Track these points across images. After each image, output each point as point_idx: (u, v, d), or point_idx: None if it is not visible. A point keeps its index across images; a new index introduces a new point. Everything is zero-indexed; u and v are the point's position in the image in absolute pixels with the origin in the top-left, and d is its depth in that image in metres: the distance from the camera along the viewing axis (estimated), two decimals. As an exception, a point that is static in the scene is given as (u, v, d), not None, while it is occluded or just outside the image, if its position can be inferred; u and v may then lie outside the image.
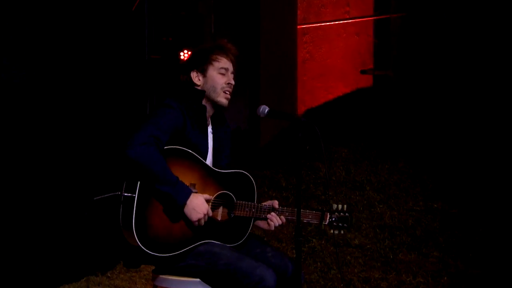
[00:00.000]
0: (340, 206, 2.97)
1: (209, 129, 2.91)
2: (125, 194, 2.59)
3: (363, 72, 8.98)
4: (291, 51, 8.58)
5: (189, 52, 5.54)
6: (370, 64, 9.12)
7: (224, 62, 2.87)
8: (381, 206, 5.51)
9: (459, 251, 4.76)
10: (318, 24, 9.36)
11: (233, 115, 6.35)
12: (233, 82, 2.89)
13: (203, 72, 2.86)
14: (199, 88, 2.86)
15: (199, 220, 2.63)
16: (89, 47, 4.75)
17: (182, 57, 5.55)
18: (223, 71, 2.86)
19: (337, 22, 9.29)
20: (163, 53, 5.67)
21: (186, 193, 2.60)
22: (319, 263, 4.71)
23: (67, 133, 4.54)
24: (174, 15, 5.69)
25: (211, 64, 2.86)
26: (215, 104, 2.88)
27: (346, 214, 2.95)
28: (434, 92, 7.03)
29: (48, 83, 4.43)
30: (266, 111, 2.69)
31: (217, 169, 2.79)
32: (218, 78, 2.85)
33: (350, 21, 9.25)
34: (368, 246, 4.93)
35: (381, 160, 6.24)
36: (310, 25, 9.38)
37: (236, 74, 2.95)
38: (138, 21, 5.49)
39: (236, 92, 2.96)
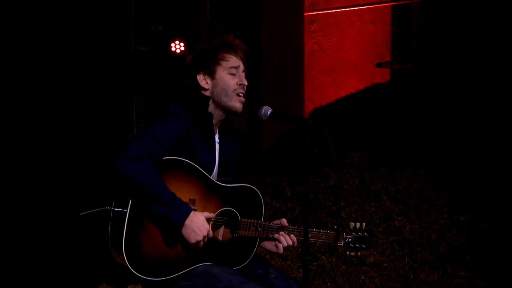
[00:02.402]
0: (358, 225, 2.98)
1: (216, 138, 2.90)
2: (115, 209, 2.58)
3: (379, 65, 8.99)
4: (297, 42, 8.57)
5: (181, 44, 5.55)
6: (388, 56, 9.13)
7: (233, 61, 2.86)
8: (399, 218, 5.50)
9: (489, 270, 4.75)
10: (328, 11, 9.36)
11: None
12: (245, 83, 2.87)
13: (211, 74, 2.85)
14: (207, 92, 2.85)
15: (197, 242, 2.62)
16: (67, 36, 4.75)
17: (173, 49, 5.55)
18: (233, 70, 2.85)
19: (350, 9, 9.30)
20: (151, 44, 5.68)
21: (184, 212, 2.58)
22: (329, 284, 4.71)
23: (44, 136, 4.53)
24: (164, 1, 5.69)
25: (219, 64, 2.84)
26: (226, 110, 2.86)
27: (365, 234, 2.96)
28: (459, 88, 7.02)
29: (23, 82, 4.41)
30: (268, 113, 2.68)
31: (220, 183, 2.77)
32: (229, 79, 2.84)
33: (364, 7, 9.26)
34: (385, 265, 4.92)
35: (400, 166, 6.23)
36: (319, 12, 9.39)
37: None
38: (123, 8, 5.49)
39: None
